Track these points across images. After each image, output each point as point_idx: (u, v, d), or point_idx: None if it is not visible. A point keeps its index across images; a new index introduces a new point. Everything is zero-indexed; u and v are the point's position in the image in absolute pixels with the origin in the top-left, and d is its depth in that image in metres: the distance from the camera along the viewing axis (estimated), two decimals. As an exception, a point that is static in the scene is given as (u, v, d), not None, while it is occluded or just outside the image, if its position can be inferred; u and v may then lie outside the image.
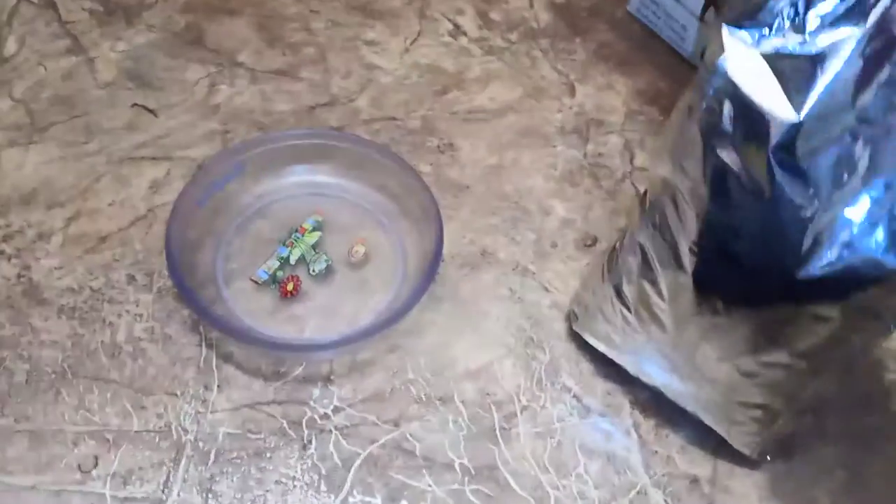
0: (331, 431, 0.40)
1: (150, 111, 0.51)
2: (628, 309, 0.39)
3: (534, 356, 0.44)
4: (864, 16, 0.25)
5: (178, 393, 0.40)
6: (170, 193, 0.47)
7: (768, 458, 0.41)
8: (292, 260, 0.44)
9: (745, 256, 0.32)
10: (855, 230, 0.28)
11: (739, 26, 0.27)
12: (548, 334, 0.44)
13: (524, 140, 0.54)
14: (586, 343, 0.43)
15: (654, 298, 0.37)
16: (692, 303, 0.35)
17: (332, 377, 0.41)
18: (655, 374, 0.40)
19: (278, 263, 0.44)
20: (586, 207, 0.51)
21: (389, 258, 0.45)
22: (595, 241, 0.49)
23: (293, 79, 0.55)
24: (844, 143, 0.27)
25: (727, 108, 0.28)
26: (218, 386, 0.40)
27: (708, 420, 0.40)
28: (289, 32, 0.58)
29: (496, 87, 0.57)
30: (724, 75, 0.28)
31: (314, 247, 0.45)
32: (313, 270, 0.44)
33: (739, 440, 0.40)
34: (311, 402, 0.40)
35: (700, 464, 0.41)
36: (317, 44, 0.57)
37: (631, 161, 0.54)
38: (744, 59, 0.27)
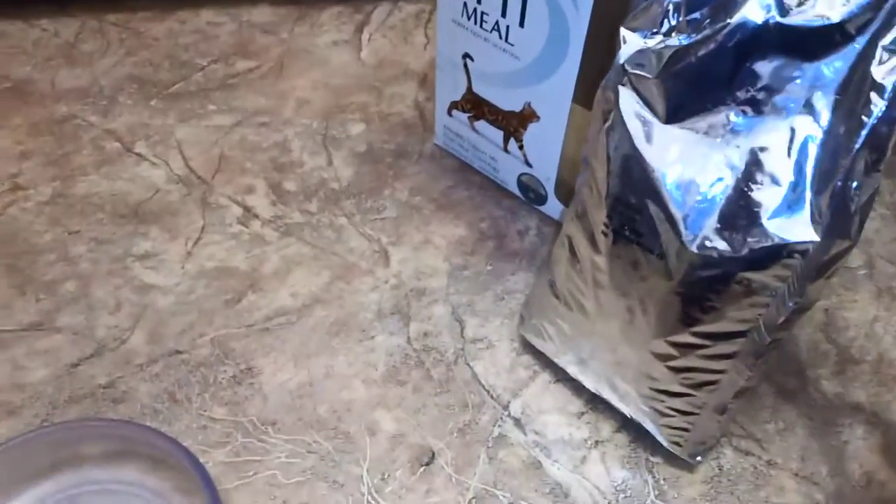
0: None
1: None
2: (559, 300, 0.41)
3: None
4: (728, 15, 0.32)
5: None
6: None
7: (699, 459, 0.41)
8: None
9: (645, 235, 0.34)
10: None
11: (634, 30, 0.34)
12: None
13: (336, 339, 0.46)
14: None
15: (579, 284, 0.39)
16: (609, 285, 0.37)
17: None
18: (580, 367, 0.42)
19: None
20: (417, 411, 0.43)
21: (177, 562, 0.37)
22: (433, 456, 0.41)
23: (50, 331, 0.46)
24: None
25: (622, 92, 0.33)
26: None
27: (631, 412, 0.41)
28: (43, 268, 0.49)
29: (298, 276, 0.49)
30: (619, 66, 0.34)
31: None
32: None
33: (665, 435, 0.40)
34: None
35: None
36: (78, 275, 0.49)
37: (462, 333, 0.47)
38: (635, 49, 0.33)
